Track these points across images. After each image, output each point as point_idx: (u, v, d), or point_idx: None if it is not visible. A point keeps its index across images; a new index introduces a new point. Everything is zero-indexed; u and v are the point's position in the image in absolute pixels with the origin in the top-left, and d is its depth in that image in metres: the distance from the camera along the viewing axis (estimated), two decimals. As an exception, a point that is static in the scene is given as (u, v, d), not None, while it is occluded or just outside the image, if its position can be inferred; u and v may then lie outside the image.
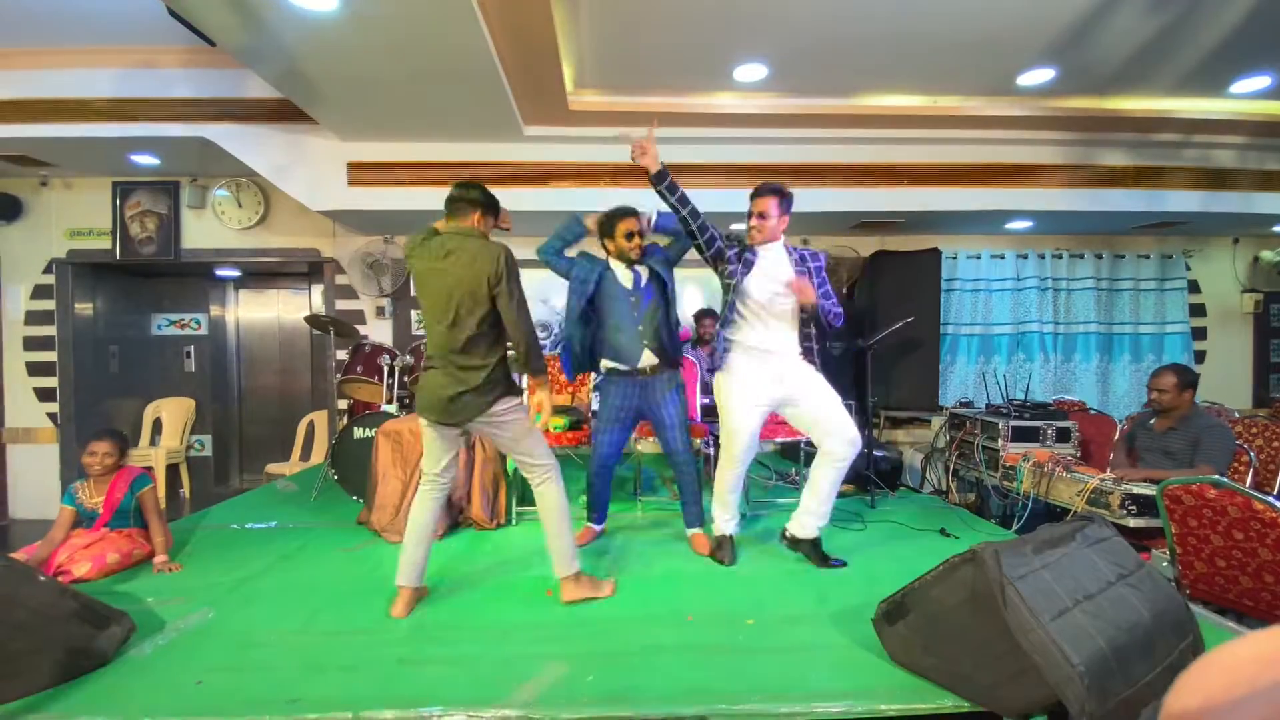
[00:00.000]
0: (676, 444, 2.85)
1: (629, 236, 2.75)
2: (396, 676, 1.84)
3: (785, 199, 2.60)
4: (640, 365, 2.78)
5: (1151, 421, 3.11)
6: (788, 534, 2.77)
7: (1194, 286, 5.42)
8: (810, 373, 2.65)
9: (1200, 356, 5.39)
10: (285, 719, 1.65)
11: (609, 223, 2.78)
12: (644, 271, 2.82)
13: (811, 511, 2.68)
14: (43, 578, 1.83)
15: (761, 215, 2.58)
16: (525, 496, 3.74)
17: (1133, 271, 5.31)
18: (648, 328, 2.78)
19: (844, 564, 2.68)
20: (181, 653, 1.98)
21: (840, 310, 2.64)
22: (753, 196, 2.63)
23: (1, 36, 3.61)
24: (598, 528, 3.09)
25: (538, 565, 2.77)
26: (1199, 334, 5.40)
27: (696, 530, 2.96)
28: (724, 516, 2.84)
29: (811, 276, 2.61)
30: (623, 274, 2.81)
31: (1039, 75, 3.61)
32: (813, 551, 2.69)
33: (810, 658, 1.95)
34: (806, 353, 2.69)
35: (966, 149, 4.36)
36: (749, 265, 2.64)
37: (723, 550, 2.78)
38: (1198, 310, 5.42)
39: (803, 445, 3.84)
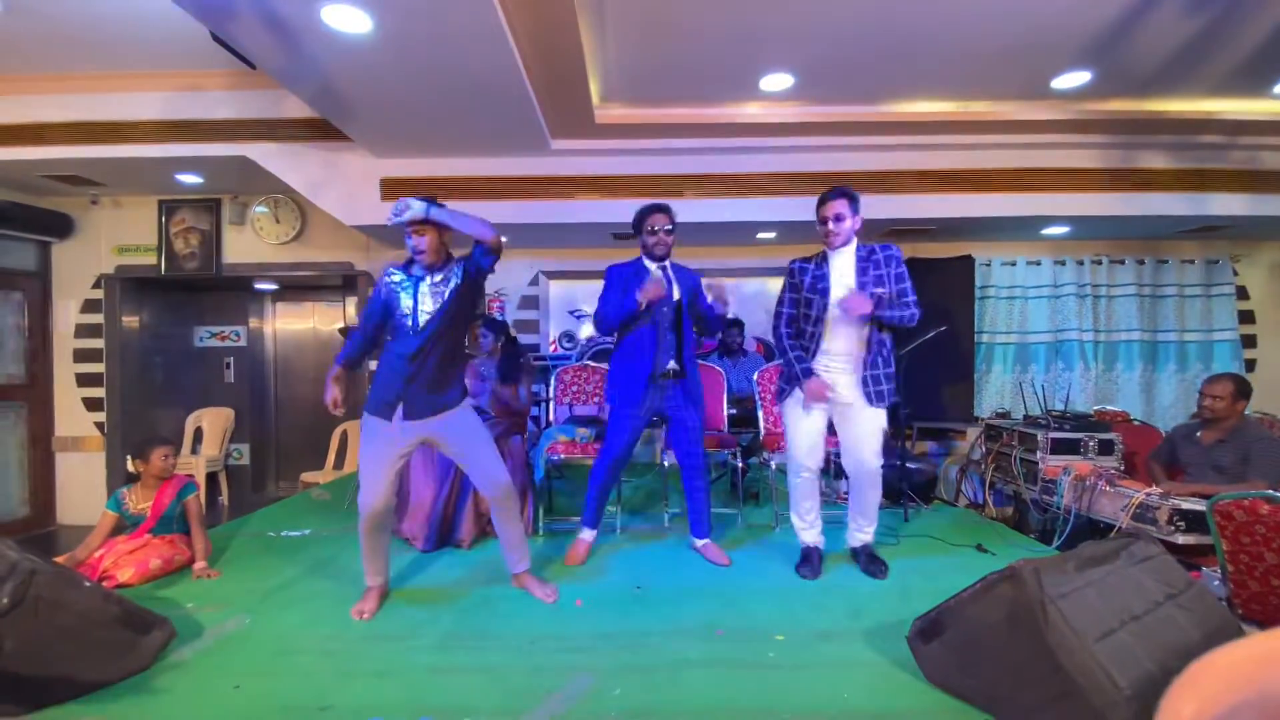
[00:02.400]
0: (692, 447, 2.85)
1: (652, 231, 2.79)
2: (426, 685, 1.85)
3: (854, 200, 2.59)
4: (664, 368, 2.80)
5: (1199, 434, 2.99)
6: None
7: (1242, 292, 5.21)
8: (863, 406, 2.59)
9: (1250, 365, 5.17)
10: (318, 726, 1.67)
11: (640, 217, 2.84)
12: (673, 277, 2.84)
13: (854, 522, 2.81)
14: (88, 583, 1.89)
15: (838, 218, 2.56)
16: (552, 507, 3.76)
17: (1177, 277, 5.13)
18: (672, 333, 2.80)
19: (884, 572, 2.67)
20: (219, 658, 2.03)
21: (914, 311, 2.54)
22: (821, 203, 2.62)
23: (56, 62, 3.79)
24: (590, 538, 3.01)
25: (565, 576, 2.77)
26: (1248, 341, 5.18)
27: (706, 540, 2.94)
28: (801, 526, 2.83)
29: (883, 269, 2.55)
30: (654, 274, 2.82)
31: (1075, 78, 3.53)
32: (862, 557, 2.77)
33: (842, 676, 1.91)
34: (876, 360, 2.58)
35: (1000, 154, 4.27)
36: (823, 275, 2.61)
37: (807, 564, 2.75)
38: (1246, 317, 5.21)
39: (831, 456, 3.78)
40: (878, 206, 4.34)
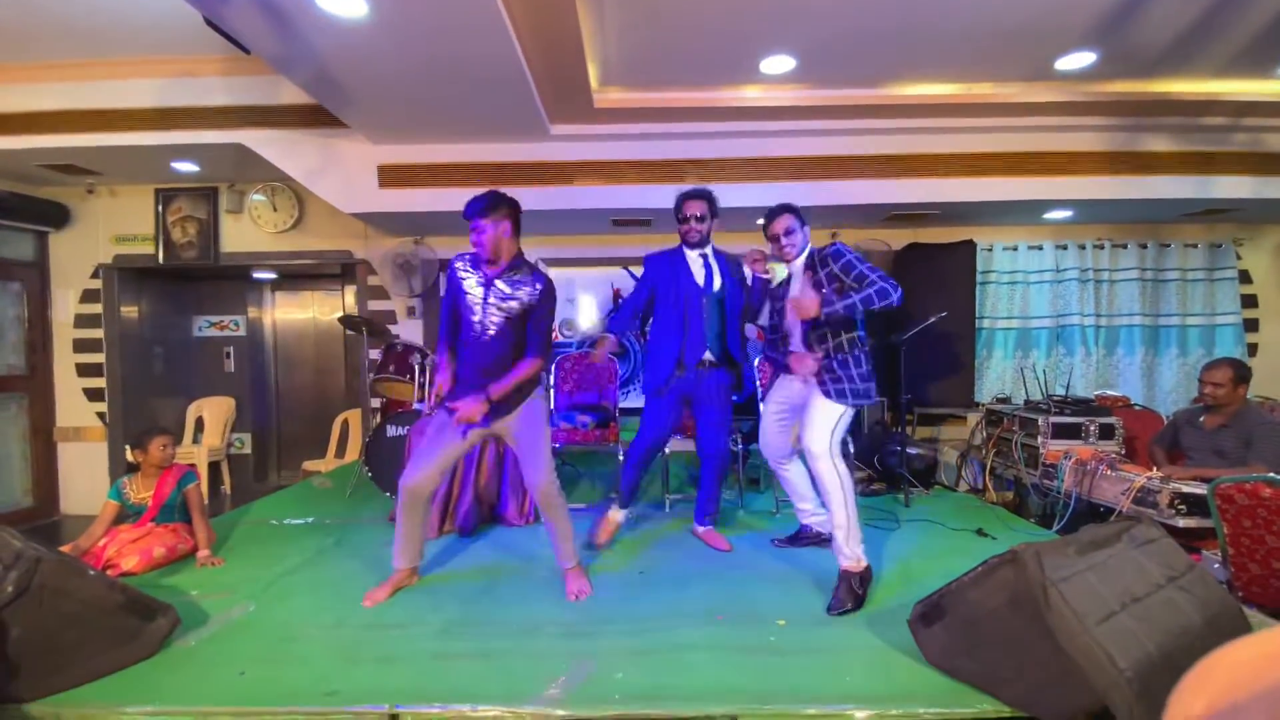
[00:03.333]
0: (712, 441, 2.83)
1: (684, 219, 2.76)
2: (431, 671, 1.86)
3: (798, 213, 2.59)
4: (699, 358, 2.78)
5: (1201, 419, 2.99)
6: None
7: (1244, 276, 5.18)
8: (818, 395, 2.49)
9: (1253, 349, 5.16)
10: (324, 710, 1.69)
11: (677, 203, 2.81)
12: (715, 266, 2.81)
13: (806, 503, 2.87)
14: (92, 571, 1.90)
15: (789, 232, 2.55)
16: (554, 494, 3.77)
17: (1179, 261, 5.10)
18: (709, 324, 2.77)
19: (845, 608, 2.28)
20: (224, 645, 2.04)
21: (879, 287, 2.35)
22: (768, 221, 2.60)
23: (49, 50, 3.75)
24: (619, 517, 3.03)
25: (567, 562, 2.78)
26: (1250, 326, 5.16)
27: (708, 527, 2.95)
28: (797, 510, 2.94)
29: (820, 273, 2.50)
30: (694, 262, 2.81)
31: (1079, 59, 3.48)
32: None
33: (844, 660, 1.92)
34: (831, 363, 2.47)
35: (1002, 137, 4.23)
36: (784, 295, 2.63)
37: (785, 537, 2.91)
38: (1249, 301, 5.18)
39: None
40: (879, 191, 4.31)
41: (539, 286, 2.36)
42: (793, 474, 2.81)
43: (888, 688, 1.76)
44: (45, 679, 1.71)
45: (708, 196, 2.77)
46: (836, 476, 2.38)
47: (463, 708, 1.68)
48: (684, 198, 2.79)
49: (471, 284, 2.37)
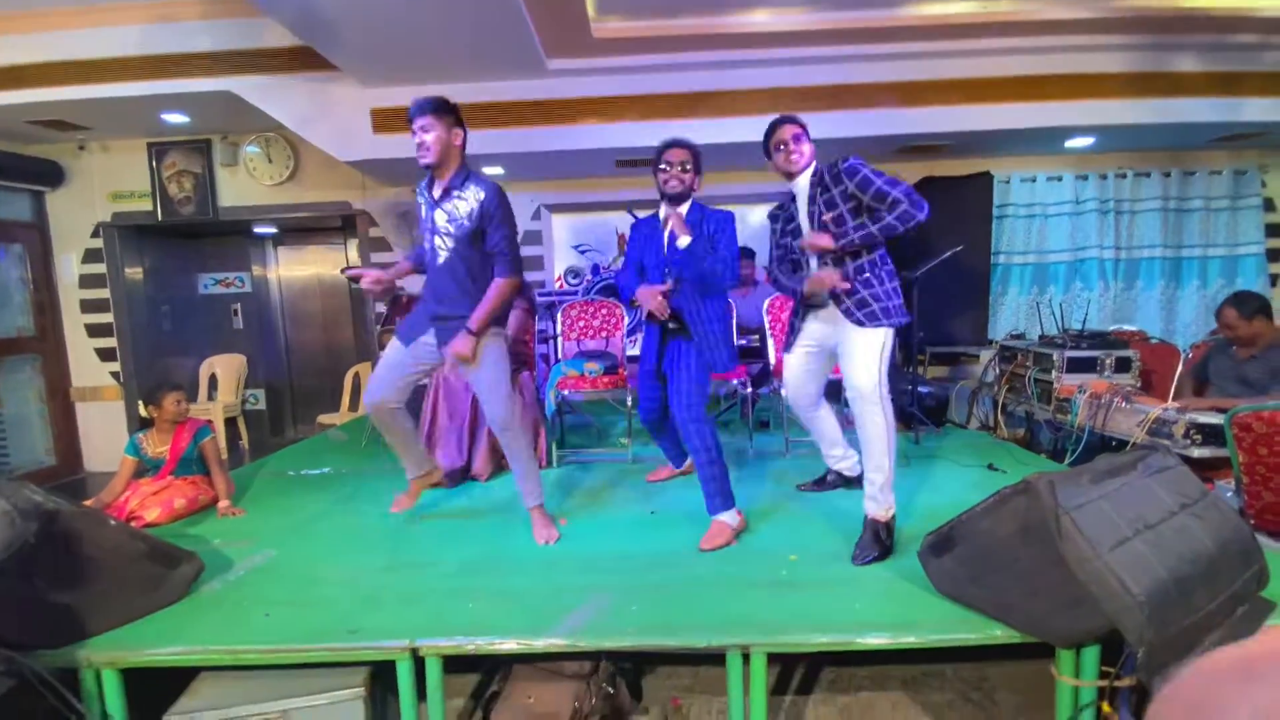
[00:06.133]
0: (677, 407, 2.42)
1: (665, 168, 2.46)
2: (449, 608, 1.91)
3: (803, 125, 2.36)
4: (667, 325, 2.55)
5: (1234, 348, 2.94)
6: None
7: (1268, 205, 5.00)
8: (849, 329, 2.29)
9: (1275, 279, 5.02)
10: (346, 646, 1.74)
11: (656, 154, 2.53)
12: (682, 213, 2.54)
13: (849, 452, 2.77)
14: (113, 522, 1.94)
15: (796, 139, 2.32)
16: (564, 441, 3.80)
17: (1203, 189, 4.91)
18: (676, 277, 2.50)
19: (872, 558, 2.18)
20: (249, 589, 2.10)
21: (903, 209, 2.15)
22: (772, 130, 2.37)
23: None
24: (675, 468, 3.11)
25: (580, 503, 2.82)
26: (1274, 255, 5.02)
27: (718, 516, 2.38)
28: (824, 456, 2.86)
29: (833, 190, 2.28)
30: (662, 215, 2.60)
31: (1106, -30, 3.27)
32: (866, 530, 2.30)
33: (854, 591, 1.95)
34: (855, 285, 2.27)
35: (1021, 60, 4.01)
36: (793, 216, 2.44)
37: (812, 479, 2.88)
38: (1273, 230, 5.01)
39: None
40: (893, 121, 4.14)
41: (483, 195, 2.19)
42: (821, 420, 2.72)
43: (897, 617, 1.78)
44: (71, 626, 1.76)
45: (689, 145, 2.48)
46: (883, 421, 2.20)
47: (480, 640, 1.73)
48: (665, 146, 2.50)
49: (424, 210, 2.32)
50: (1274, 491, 2.21)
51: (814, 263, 2.39)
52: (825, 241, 2.24)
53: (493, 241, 2.25)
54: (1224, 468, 2.45)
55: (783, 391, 2.72)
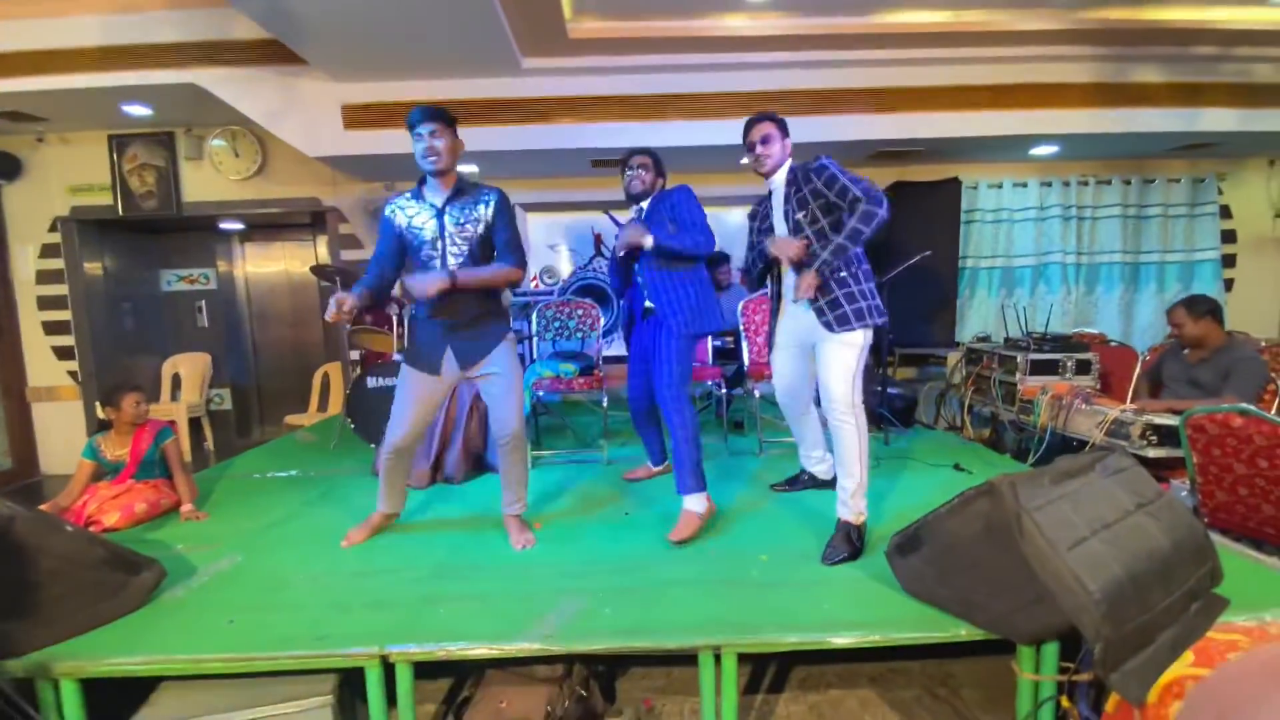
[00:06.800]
0: (658, 381, 2.51)
1: (629, 169, 2.65)
2: (421, 613, 1.89)
3: (782, 124, 2.39)
4: (645, 309, 2.71)
5: (1185, 351, 3.04)
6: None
7: (1225, 212, 5.19)
8: (824, 335, 2.30)
9: (1229, 284, 5.22)
10: (314, 654, 1.71)
11: (622, 161, 2.71)
12: (644, 210, 2.67)
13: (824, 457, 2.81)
14: (70, 527, 1.88)
15: (765, 140, 2.34)
16: (539, 442, 3.78)
17: (1162, 197, 5.08)
18: (646, 274, 2.57)
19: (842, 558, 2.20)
20: (213, 595, 2.05)
21: (866, 209, 2.17)
22: (747, 128, 2.40)
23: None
24: (653, 467, 3.14)
25: (554, 505, 2.81)
26: (1229, 261, 5.21)
27: (686, 503, 2.44)
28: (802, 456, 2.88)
29: (805, 189, 2.30)
30: (630, 211, 2.77)
31: (1071, -17, 3.36)
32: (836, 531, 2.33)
33: (823, 591, 1.97)
34: (829, 285, 2.26)
35: (990, 69, 4.11)
36: (768, 214, 2.49)
37: (785, 479, 2.89)
38: (1228, 236, 5.21)
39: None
40: (866, 127, 4.21)
41: (492, 198, 2.24)
42: (808, 423, 2.76)
43: (866, 616, 1.81)
44: (30, 635, 1.70)
45: (647, 150, 2.67)
46: (855, 432, 2.23)
47: (452, 646, 1.72)
48: (630, 153, 2.68)
49: (421, 219, 2.23)
50: (1227, 491, 2.29)
51: (785, 263, 2.40)
52: (793, 247, 2.25)
53: (502, 239, 2.26)
54: (1179, 468, 2.55)
55: (759, 393, 2.77)
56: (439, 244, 2.23)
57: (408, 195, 2.28)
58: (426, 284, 2.12)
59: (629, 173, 2.65)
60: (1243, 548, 2.20)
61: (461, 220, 2.22)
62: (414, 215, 2.25)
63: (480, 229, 2.23)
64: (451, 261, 2.22)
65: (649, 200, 2.66)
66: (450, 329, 2.26)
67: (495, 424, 2.38)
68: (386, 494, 2.47)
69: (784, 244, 2.28)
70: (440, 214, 2.22)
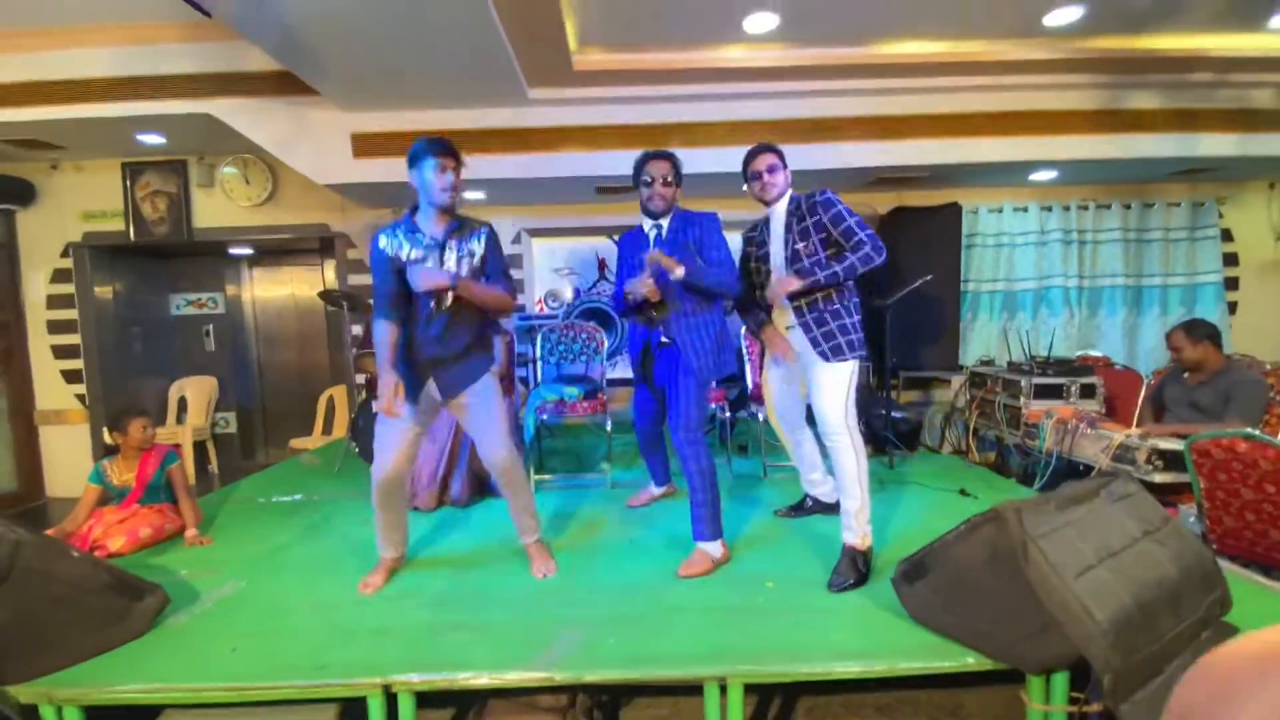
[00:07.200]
0: (676, 424, 2.41)
1: (649, 183, 2.45)
2: (423, 642, 1.88)
3: (781, 153, 2.43)
4: (659, 340, 2.56)
5: (1185, 375, 3.04)
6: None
7: (1226, 235, 5.22)
8: (816, 361, 2.33)
9: (1232, 307, 5.22)
10: (316, 683, 1.70)
11: (637, 167, 2.49)
12: (664, 227, 2.52)
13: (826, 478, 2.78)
14: (76, 553, 1.88)
15: (771, 169, 2.39)
16: (543, 466, 3.78)
17: (1162, 221, 5.11)
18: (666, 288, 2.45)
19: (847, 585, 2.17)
20: (215, 621, 2.04)
21: (866, 252, 2.24)
22: (750, 158, 2.44)
23: (2, 18, 3.57)
24: (655, 491, 3.12)
25: (558, 530, 2.81)
26: (1231, 284, 5.22)
27: (703, 545, 2.36)
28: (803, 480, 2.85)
29: (807, 221, 2.34)
30: (647, 228, 2.55)
31: (1067, 14, 3.43)
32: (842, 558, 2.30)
33: (830, 618, 1.96)
34: (824, 316, 2.31)
35: (989, 97, 4.18)
36: (764, 242, 2.51)
37: (789, 505, 2.83)
38: (1230, 260, 5.23)
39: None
40: (867, 154, 4.26)
41: (485, 233, 2.27)
42: (805, 444, 2.75)
43: (873, 644, 1.80)
44: (34, 661, 1.70)
45: (672, 157, 2.48)
46: (853, 453, 2.24)
47: (454, 676, 1.70)
48: (646, 159, 2.47)
49: (419, 254, 2.18)
50: (1234, 516, 2.28)
51: (772, 277, 2.45)
52: (790, 284, 2.27)
53: (496, 270, 2.27)
54: (1186, 493, 2.53)
55: (763, 416, 2.75)
56: None
57: (399, 227, 2.22)
58: (427, 279, 2.09)
59: (648, 189, 2.45)
60: (1251, 574, 2.18)
61: (460, 255, 2.22)
62: (412, 249, 2.19)
63: (477, 262, 2.24)
64: (449, 299, 2.18)
65: (669, 218, 2.49)
66: (436, 361, 2.23)
67: (483, 457, 2.33)
68: (386, 537, 2.35)
69: (780, 284, 2.30)
70: (441, 248, 2.20)
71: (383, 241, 2.20)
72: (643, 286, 2.35)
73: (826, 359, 2.31)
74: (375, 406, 2.19)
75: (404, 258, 2.19)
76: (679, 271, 2.30)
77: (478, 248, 2.25)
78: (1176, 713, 0.41)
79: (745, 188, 2.49)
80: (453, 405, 2.31)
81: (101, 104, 3.90)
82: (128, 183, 4.88)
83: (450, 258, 2.21)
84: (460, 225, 2.25)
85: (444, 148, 2.15)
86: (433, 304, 2.19)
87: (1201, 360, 2.92)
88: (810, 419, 2.71)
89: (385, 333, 2.20)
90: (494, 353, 2.40)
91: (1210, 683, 0.40)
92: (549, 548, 2.50)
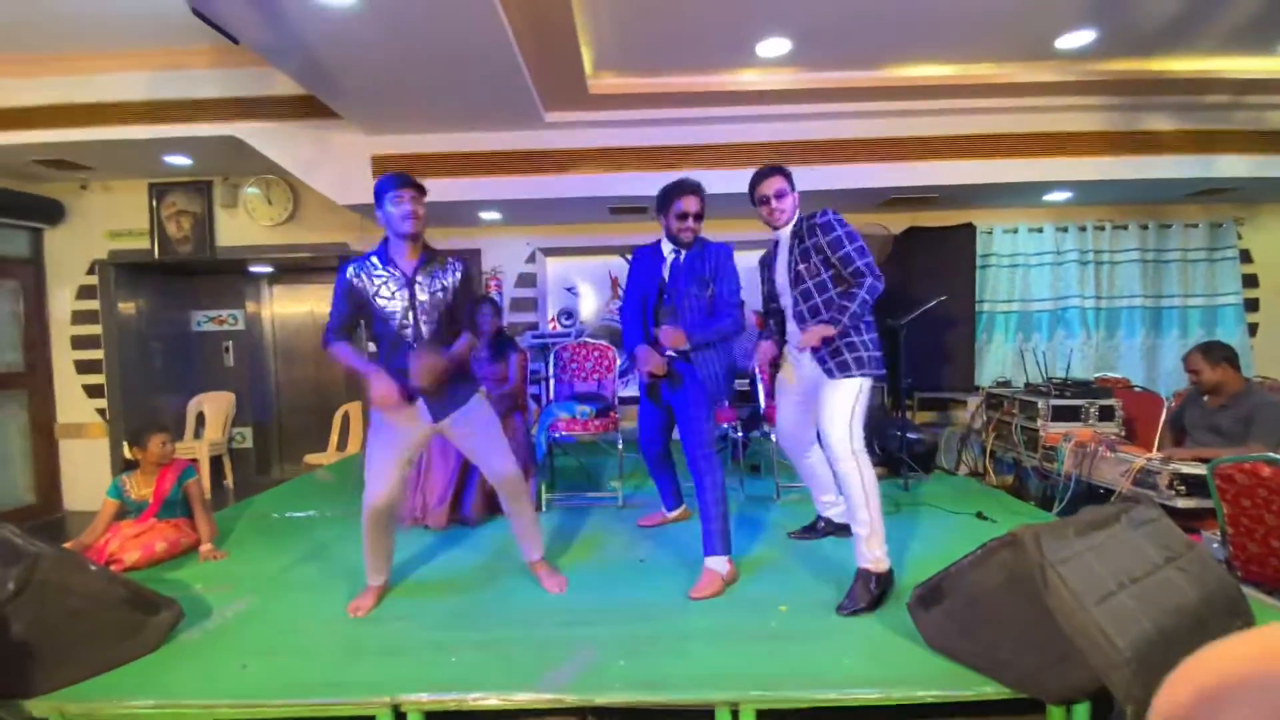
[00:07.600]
0: (691, 439, 2.42)
1: (681, 217, 2.46)
2: (433, 661, 1.87)
3: (789, 176, 2.43)
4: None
5: (1205, 397, 2.99)
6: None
7: (1245, 256, 5.15)
8: (824, 381, 2.34)
9: (1253, 329, 5.14)
10: (326, 702, 1.70)
11: (667, 197, 2.50)
12: (682, 254, 2.54)
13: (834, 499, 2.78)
14: (93, 566, 1.91)
15: (779, 194, 2.39)
16: (555, 484, 3.78)
17: (1180, 241, 5.07)
18: (676, 313, 2.52)
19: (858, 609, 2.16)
20: (227, 638, 2.05)
21: (869, 282, 2.29)
22: (758, 181, 2.43)
23: (38, 43, 3.71)
24: (668, 514, 3.10)
25: (569, 549, 2.79)
26: (1251, 306, 5.15)
27: (712, 557, 2.36)
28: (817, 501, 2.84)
29: (807, 243, 2.36)
30: (668, 253, 2.58)
31: (1079, 37, 3.44)
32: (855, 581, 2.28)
33: (844, 643, 1.93)
34: (840, 334, 2.30)
35: (1002, 118, 4.19)
36: (773, 265, 2.54)
37: (803, 528, 2.82)
38: (1250, 281, 5.16)
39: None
40: (879, 175, 4.28)
41: (458, 268, 2.26)
42: (815, 465, 2.73)
43: (888, 672, 1.76)
44: (49, 674, 1.72)
45: (701, 190, 2.50)
46: (859, 475, 2.21)
47: (464, 697, 1.69)
48: (680, 192, 2.47)
49: (388, 288, 2.16)
50: (1259, 543, 2.22)
51: (787, 299, 2.48)
52: (828, 333, 2.27)
53: (467, 310, 2.28)
54: (1209, 518, 2.47)
55: (773, 437, 2.74)
56: (410, 314, 2.17)
57: (371, 259, 2.20)
58: (427, 367, 2.11)
59: (681, 221, 2.46)
60: (1276, 601, 2.12)
61: (431, 289, 2.20)
62: (381, 284, 2.17)
63: (449, 297, 2.23)
64: (424, 330, 2.18)
65: (687, 250, 2.54)
66: (424, 391, 2.21)
67: (489, 477, 2.36)
68: (374, 564, 2.31)
69: (813, 339, 2.30)
70: (410, 283, 2.18)
71: (350, 272, 2.19)
72: (654, 364, 2.45)
73: (832, 375, 2.31)
74: (374, 398, 2.14)
75: (371, 294, 2.17)
76: (685, 346, 2.41)
77: (449, 283, 2.24)
78: (1163, 714, 0.41)
79: (755, 209, 2.52)
80: (446, 431, 2.29)
81: (132, 126, 4.02)
82: (154, 202, 5.01)
83: (421, 294, 2.19)
84: (430, 259, 2.24)
85: (402, 180, 2.17)
86: (418, 330, 2.19)
87: (1220, 383, 2.87)
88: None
89: (345, 348, 2.24)
90: (474, 380, 2.36)
91: (1197, 685, 0.40)
92: (553, 564, 2.50)
